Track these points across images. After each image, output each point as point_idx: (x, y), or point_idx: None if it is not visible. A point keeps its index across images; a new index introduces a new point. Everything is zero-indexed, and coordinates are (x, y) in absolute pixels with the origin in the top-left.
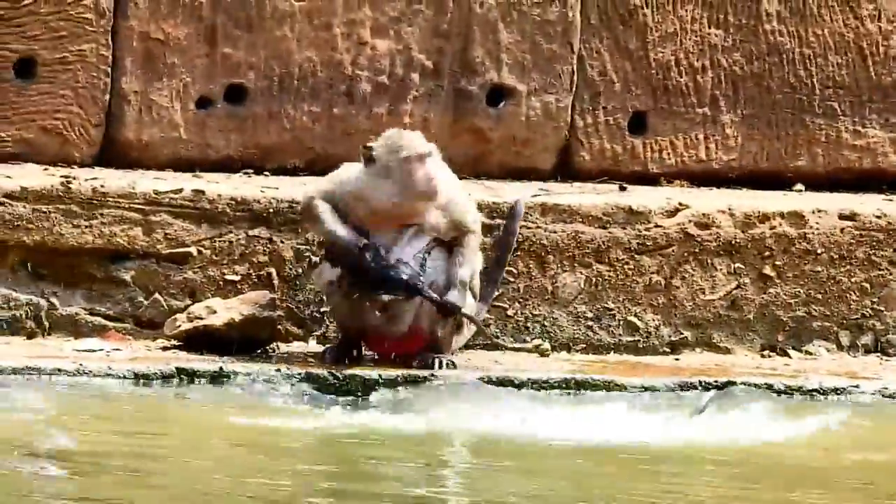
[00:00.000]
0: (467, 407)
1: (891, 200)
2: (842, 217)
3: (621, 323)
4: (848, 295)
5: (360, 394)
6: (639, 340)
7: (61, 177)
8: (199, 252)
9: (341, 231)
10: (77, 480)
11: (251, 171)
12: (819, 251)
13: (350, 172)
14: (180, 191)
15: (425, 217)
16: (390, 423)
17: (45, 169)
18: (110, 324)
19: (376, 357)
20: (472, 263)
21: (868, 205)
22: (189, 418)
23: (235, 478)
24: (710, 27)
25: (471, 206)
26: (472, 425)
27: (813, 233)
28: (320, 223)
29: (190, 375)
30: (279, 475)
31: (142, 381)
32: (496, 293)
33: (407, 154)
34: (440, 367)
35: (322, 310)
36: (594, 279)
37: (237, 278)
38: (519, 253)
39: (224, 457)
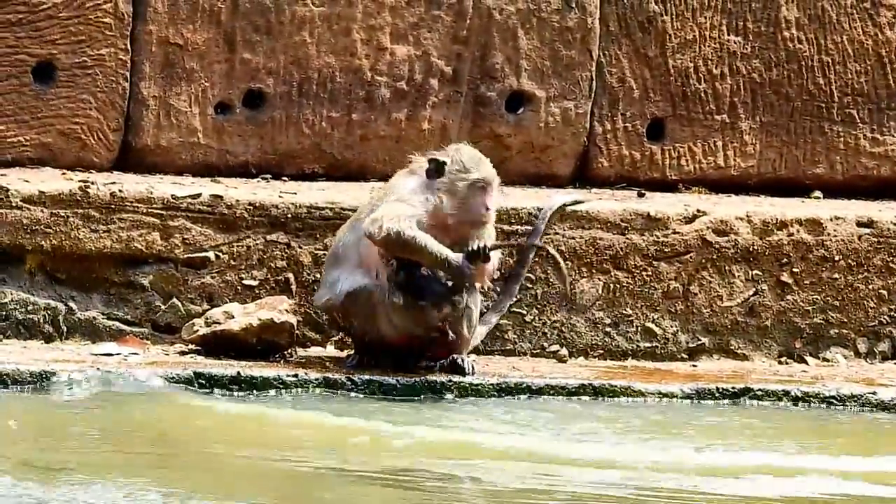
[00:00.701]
0: None
1: None
2: (860, 224)
3: (639, 329)
4: (865, 302)
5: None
6: (656, 347)
7: (80, 181)
8: (217, 257)
9: (451, 255)
10: None
11: (269, 176)
12: (837, 258)
13: (409, 187)
14: (198, 196)
15: (468, 240)
16: None
17: (64, 173)
18: (128, 328)
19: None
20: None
21: (886, 212)
22: None
23: None
24: (729, 34)
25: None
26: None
27: (831, 240)
28: (425, 250)
29: (207, 380)
30: None
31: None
32: (512, 301)
33: (476, 178)
34: (463, 367)
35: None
36: (612, 285)
37: (255, 283)
38: (537, 259)
39: None
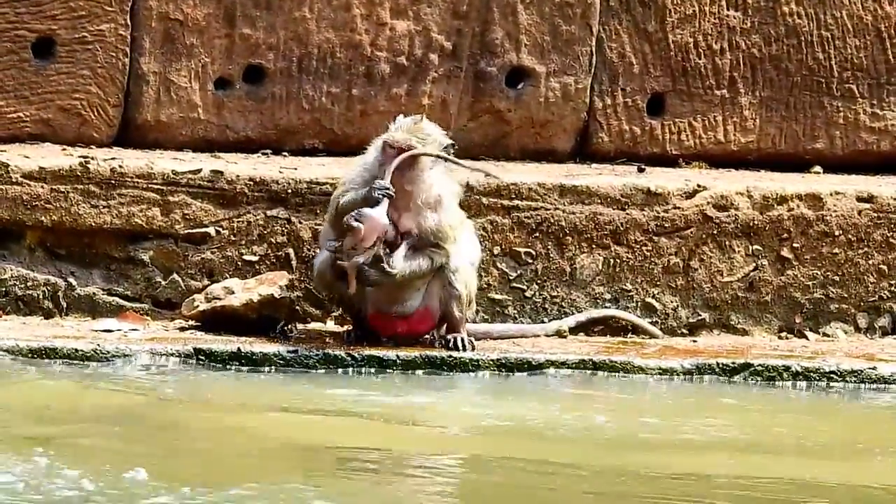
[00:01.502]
0: None
1: None
2: (860, 199)
3: (639, 304)
4: (865, 277)
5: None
6: (657, 322)
7: (80, 157)
8: (218, 232)
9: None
10: None
11: (270, 151)
12: (837, 233)
13: (357, 162)
14: (199, 171)
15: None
16: None
17: (64, 149)
18: (128, 304)
19: (385, 339)
20: (424, 261)
21: (886, 187)
22: None
23: None
24: (728, 9)
25: (454, 221)
26: None
27: (831, 215)
28: (339, 206)
29: (207, 356)
30: None
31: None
32: None
33: (384, 139)
34: (462, 346)
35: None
36: (612, 260)
37: (255, 259)
38: (537, 234)
39: None
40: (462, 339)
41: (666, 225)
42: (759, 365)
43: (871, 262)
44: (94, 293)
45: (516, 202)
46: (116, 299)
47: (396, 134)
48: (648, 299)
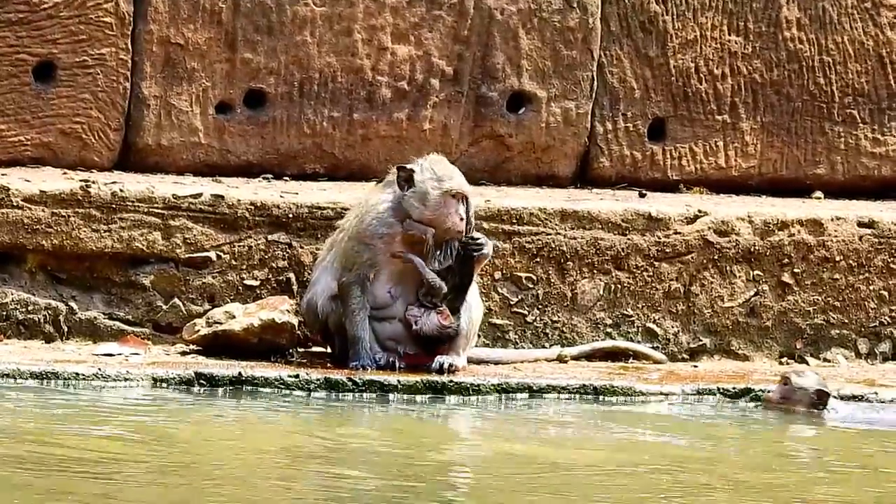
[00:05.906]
0: None
1: None
2: (860, 224)
3: (640, 330)
4: (866, 302)
5: None
6: (658, 347)
7: (80, 181)
8: (219, 257)
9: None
10: None
11: (271, 176)
12: (838, 259)
13: (379, 209)
14: (199, 195)
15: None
16: None
17: (65, 173)
18: (129, 328)
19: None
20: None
21: (887, 212)
22: None
23: None
24: (730, 34)
25: None
26: None
27: (832, 240)
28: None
29: (209, 380)
30: None
31: (160, 385)
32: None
33: (449, 187)
34: (444, 369)
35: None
36: (613, 286)
37: (256, 283)
38: (538, 259)
39: None
40: (443, 363)
41: (667, 250)
42: (760, 390)
43: (871, 287)
44: (95, 317)
45: (517, 227)
46: (117, 323)
47: (460, 182)
48: (649, 324)
